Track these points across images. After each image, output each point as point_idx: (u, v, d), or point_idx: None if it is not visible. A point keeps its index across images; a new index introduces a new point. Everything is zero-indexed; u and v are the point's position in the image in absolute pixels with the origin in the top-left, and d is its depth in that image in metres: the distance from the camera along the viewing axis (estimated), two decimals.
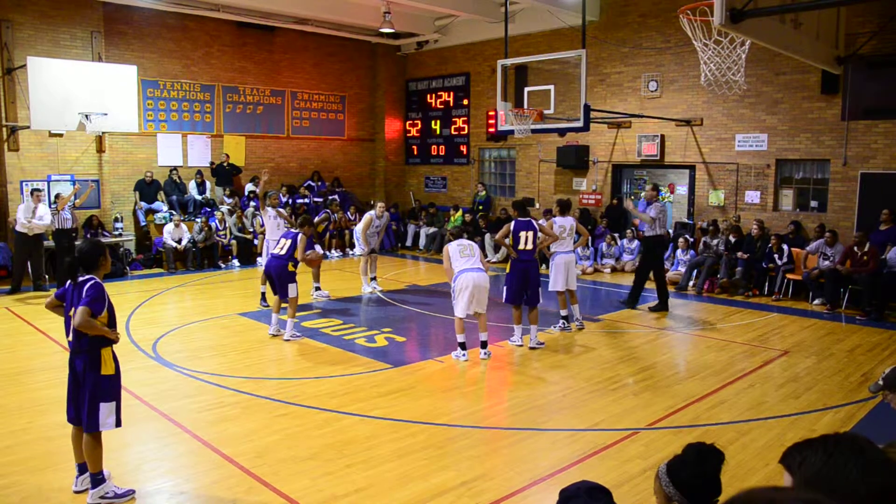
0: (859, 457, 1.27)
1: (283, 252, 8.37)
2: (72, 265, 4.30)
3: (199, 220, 14.23)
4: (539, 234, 8.16)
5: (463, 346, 7.51)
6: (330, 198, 16.67)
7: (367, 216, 11.38)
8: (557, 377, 7.00)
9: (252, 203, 15.52)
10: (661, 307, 10.16)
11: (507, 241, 8.03)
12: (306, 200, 16.16)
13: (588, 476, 4.68)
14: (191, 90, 15.54)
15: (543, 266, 13.57)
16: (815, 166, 12.17)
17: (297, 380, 6.84)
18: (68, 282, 4.35)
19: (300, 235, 8.49)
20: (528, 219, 8.09)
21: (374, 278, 11.61)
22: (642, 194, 14.72)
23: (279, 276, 8.30)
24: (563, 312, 8.89)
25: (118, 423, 4.34)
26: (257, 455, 4.97)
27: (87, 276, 4.29)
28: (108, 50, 13.72)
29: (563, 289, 8.76)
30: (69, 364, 4.31)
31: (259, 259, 14.69)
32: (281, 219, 10.50)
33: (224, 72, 16.05)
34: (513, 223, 8.07)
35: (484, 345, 7.65)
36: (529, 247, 7.95)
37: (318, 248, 12.00)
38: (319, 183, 17.36)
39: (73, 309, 4.23)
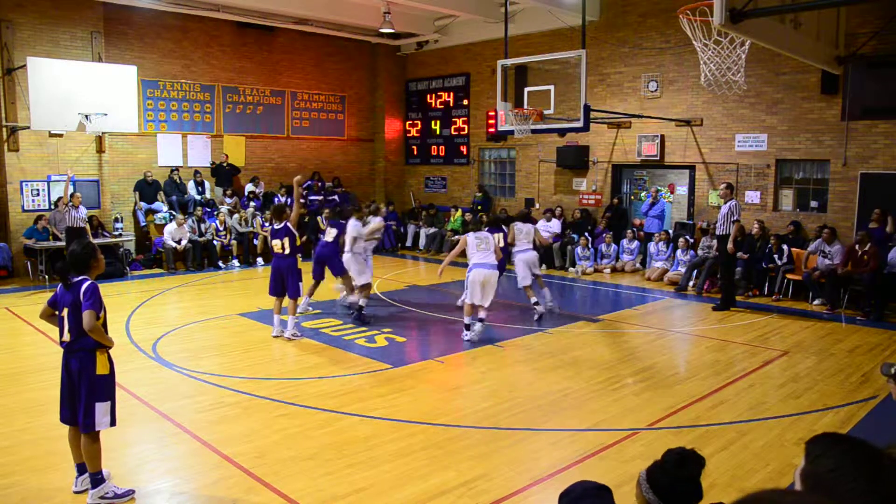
0: (870, 466, 1.27)
1: (330, 240, 9.36)
2: (63, 266, 4.30)
3: (191, 219, 14.22)
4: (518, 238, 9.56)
5: (468, 327, 8.20)
6: (335, 196, 16.60)
7: (375, 222, 11.29)
8: (557, 377, 7.00)
9: (253, 203, 15.51)
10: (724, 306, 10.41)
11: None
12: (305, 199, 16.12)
13: (588, 476, 4.69)
14: (191, 90, 15.53)
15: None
16: (815, 166, 12.17)
17: (297, 380, 6.84)
18: (59, 286, 4.35)
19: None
20: (496, 227, 9.31)
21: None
22: (642, 194, 14.80)
23: (330, 262, 9.35)
24: (534, 300, 9.44)
25: (113, 423, 4.35)
26: (257, 455, 4.97)
27: (80, 278, 4.27)
28: (108, 50, 13.71)
29: (529, 283, 9.45)
30: (63, 364, 4.31)
31: (259, 259, 14.71)
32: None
33: (224, 72, 16.04)
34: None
35: (482, 320, 8.32)
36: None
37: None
38: (320, 184, 17.33)
39: (65, 309, 4.23)
